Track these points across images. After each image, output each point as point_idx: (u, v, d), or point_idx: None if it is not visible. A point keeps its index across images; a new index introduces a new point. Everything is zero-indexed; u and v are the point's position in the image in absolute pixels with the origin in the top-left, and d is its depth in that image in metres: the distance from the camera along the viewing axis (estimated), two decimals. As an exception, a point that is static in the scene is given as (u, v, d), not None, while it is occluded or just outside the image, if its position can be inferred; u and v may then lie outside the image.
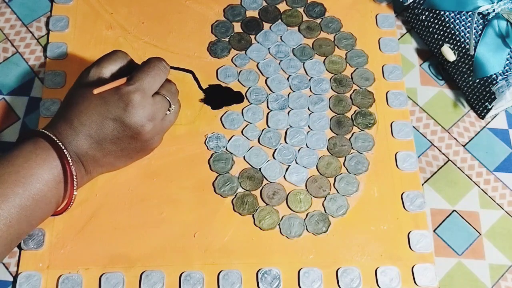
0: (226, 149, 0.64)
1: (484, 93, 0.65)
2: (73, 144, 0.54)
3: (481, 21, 0.66)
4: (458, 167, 0.65)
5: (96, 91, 0.52)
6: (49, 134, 0.53)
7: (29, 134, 0.55)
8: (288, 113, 0.66)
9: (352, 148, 0.65)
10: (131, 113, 0.54)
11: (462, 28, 0.66)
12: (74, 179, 0.53)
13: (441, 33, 0.68)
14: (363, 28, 0.73)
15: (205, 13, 0.72)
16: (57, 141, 0.53)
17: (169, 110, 0.58)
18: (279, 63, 0.69)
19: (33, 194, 0.51)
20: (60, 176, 0.53)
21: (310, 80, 0.69)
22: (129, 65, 0.58)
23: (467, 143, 0.66)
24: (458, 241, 0.61)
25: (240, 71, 0.69)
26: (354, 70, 0.70)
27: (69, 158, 0.53)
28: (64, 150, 0.52)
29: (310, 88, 0.68)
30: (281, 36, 0.71)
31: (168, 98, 0.57)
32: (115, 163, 0.58)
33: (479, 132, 0.67)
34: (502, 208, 0.63)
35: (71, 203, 0.55)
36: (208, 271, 0.57)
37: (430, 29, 0.70)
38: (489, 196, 0.63)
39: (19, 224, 0.51)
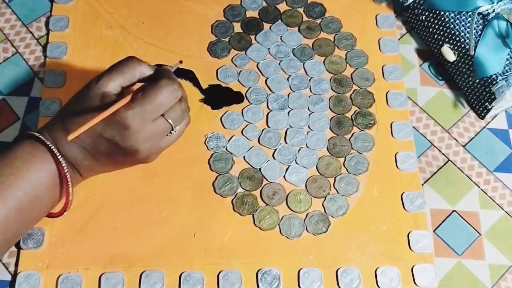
0: (226, 149, 0.64)
1: (484, 93, 0.65)
2: (68, 152, 0.53)
3: (481, 21, 0.66)
4: (458, 167, 0.65)
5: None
6: (45, 140, 0.52)
7: (26, 136, 0.54)
8: (288, 113, 0.66)
9: (352, 148, 0.65)
10: (126, 137, 0.52)
11: (462, 28, 0.66)
12: (69, 185, 0.53)
13: (441, 33, 0.68)
14: (363, 28, 0.73)
15: (205, 13, 0.72)
16: (52, 147, 0.52)
17: (170, 132, 0.55)
18: (279, 63, 0.69)
19: (31, 197, 0.51)
20: (57, 181, 0.53)
21: (310, 80, 0.69)
22: (141, 71, 0.54)
23: (467, 143, 0.66)
24: (458, 241, 0.61)
25: (240, 71, 0.69)
26: (354, 70, 0.70)
27: (64, 164, 0.52)
28: (59, 156, 0.52)
29: (310, 88, 0.68)
30: (281, 36, 0.71)
31: (170, 122, 0.53)
32: (110, 170, 0.57)
33: (479, 132, 0.67)
34: (502, 208, 0.63)
35: (69, 207, 0.55)
36: (208, 271, 0.57)
37: (430, 29, 0.70)
38: (489, 196, 0.63)
39: (16, 225, 0.51)
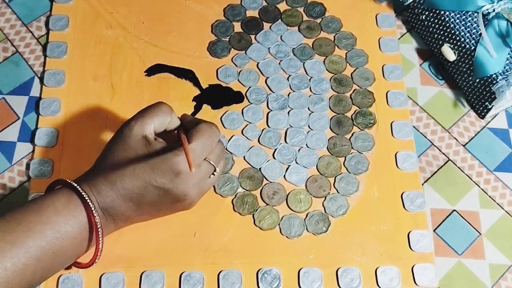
0: (226, 149, 0.64)
1: (484, 92, 0.65)
2: (111, 205, 0.52)
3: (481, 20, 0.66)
4: (458, 167, 0.65)
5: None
6: (82, 192, 0.51)
7: (63, 184, 0.52)
8: (288, 113, 0.66)
9: (352, 148, 0.65)
10: (177, 183, 0.52)
11: (462, 28, 0.66)
12: (100, 238, 0.51)
13: (441, 32, 0.68)
14: (363, 28, 0.73)
15: (205, 13, 0.72)
16: (88, 201, 0.50)
17: (213, 174, 0.56)
18: (279, 63, 0.69)
19: (56, 248, 0.49)
20: (87, 234, 0.51)
21: (310, 80, 0.69)
22: (172, 119, 0.56)
23: (467, 143, 0.66)
24: (458, 241, 0.61)
25: (240, 71, 0.69)
26: (354, 70, 0.70)
27: (97, 219, 0.51)
28: (93, 210, 0.50)
29: (310, 88, 0.68)
30: (281, 36, 0.71)
31: (213, 163, 0.55)
32: (146, 219, 0.56)
33: (479, 132, 0.67)
34: (502, 208, 0.63)
35: (97, 259, 0.53)
36: (208, 271, 0.57)
37: (430, 29, 0.70)
38: (489, 196, 0.63)
39: (33, 276, 0.49)
